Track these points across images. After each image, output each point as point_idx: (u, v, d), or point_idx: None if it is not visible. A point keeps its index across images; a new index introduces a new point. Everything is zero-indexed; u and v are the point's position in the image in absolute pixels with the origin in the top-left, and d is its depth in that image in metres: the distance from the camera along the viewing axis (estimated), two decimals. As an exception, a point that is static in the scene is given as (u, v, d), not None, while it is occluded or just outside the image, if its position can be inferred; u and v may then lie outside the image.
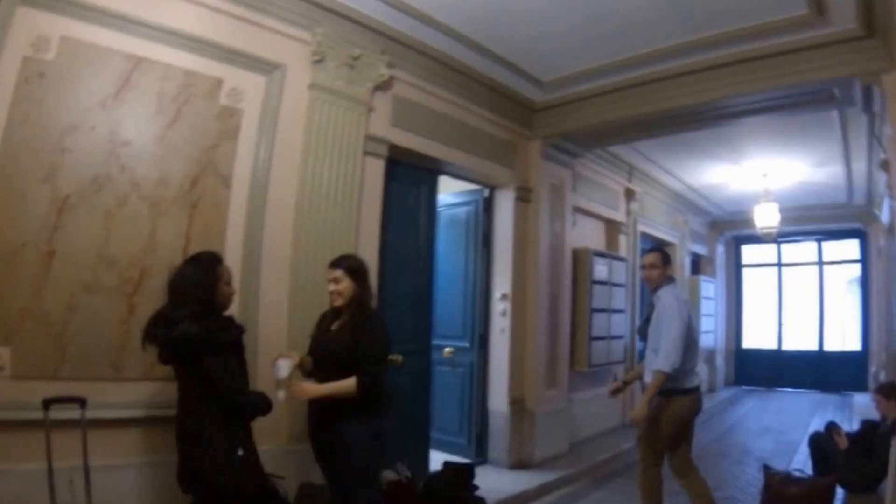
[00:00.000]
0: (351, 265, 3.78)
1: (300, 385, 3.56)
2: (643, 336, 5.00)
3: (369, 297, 3.85)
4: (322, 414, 3.72)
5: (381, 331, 3.78)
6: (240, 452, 3.27)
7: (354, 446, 3.62)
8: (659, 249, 5.30)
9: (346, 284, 3.70)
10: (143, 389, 3.82)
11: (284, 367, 3.53)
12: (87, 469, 3.35)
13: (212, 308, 3.31)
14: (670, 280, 4.95)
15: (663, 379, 4.48)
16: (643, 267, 5.04)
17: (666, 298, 4.77)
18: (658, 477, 4.87)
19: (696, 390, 4.77)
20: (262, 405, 3.45)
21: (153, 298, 3.57)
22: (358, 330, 3.64)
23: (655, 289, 4.92)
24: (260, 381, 4.14)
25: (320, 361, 3.74)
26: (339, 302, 3.73)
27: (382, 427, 3.76)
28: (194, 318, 3.14)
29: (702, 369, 5.34)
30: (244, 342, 3.49)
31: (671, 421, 4.63)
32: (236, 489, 3.20)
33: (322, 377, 3.67)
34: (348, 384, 3.52)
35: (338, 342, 3.65)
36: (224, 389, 3.22)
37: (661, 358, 4.53)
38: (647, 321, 4.98)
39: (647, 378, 4.70)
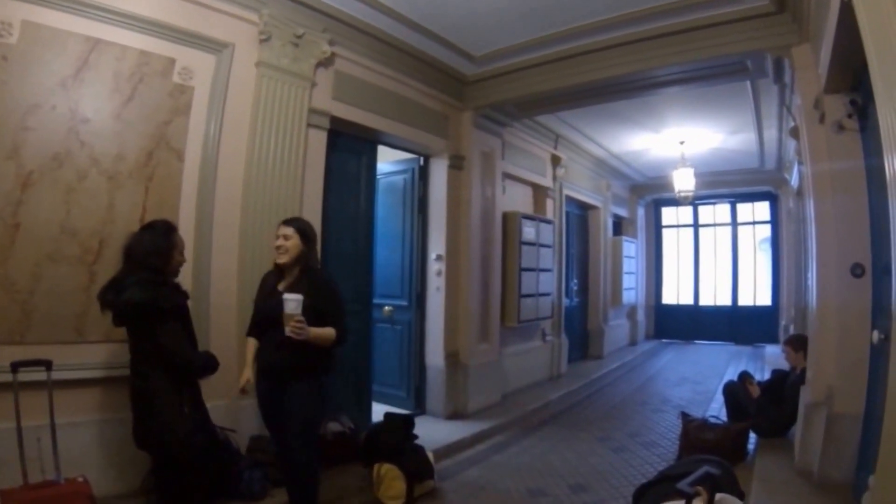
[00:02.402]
0: (302, 226, 3.83)
1: (305, 324, 3.51)
2: None
3: (316, 260, 3.94)
4: (275, 374, 3.75)
5: (338, 290, 3.88)
6: (186, 411, 3.35)
7: (301, 404, 3.70)
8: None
9: (294, 242, 3.74)
10: (103, 351, 3.96)
11: (297, 303, 3.48)
12: (53, 427, 3.47)
13: (162, 275, 3.38)
14: None
15: None
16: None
17: None
18: None
19: None
20: (211, 364, 3.54)
21: (112, 266, 3.68)
22: (314, 289, 3.66)
23: None
24: (213, 342, 4.34)
25: (270, 323, 3.66)
26: (283, 259, 3.76)
27: (325, 384, 3.85)
28: (141, 285, 3.23)
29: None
30: (188, 307, 3.57)
31: None
32: (184, 445, 3.30)
33: (275, 339, 3.63)
34: (329, 332, 3.65)
35: (276, 306, 3.59)
36: (173, 354, 3.29)
37: None
38: None
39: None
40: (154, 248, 3.38)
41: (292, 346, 3.58)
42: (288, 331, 3.48)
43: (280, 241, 3.77)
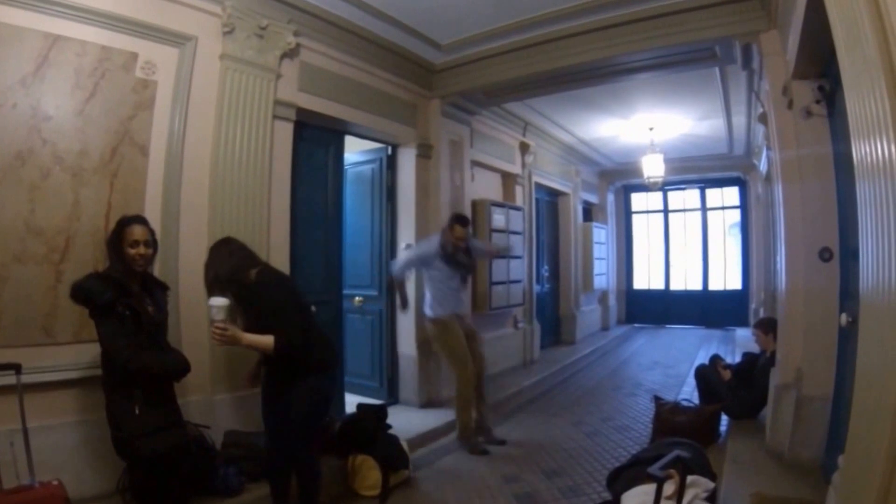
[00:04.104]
0: (216, 274, 3.72)
1: (231, 329, 3.49)
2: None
3: (246, 271, 3.74)
4: (272, 377, 3.87)
5: (272, 291, 3.76)
6: (136, 411, 3.33)
7: (294, 406, 3.73)
8: None
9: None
10: (73, 352, 3.92)
11: (219, 309, 3.44)
12: (25, 431, 3.41)
13: (113, 267, 3.42)
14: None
15: None
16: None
17: None
18: None
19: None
20: (167, 366, 3.53)
21: (79, 265, 3.75)
22: (247, 300, 3.70)
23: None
24: (184, 338, 4.38)
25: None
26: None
27: (320, 385, 3.84)
28: (88, 278, 3.31)
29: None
30: (151, 301, 3.58)
31: None
32: (130, 447, 3.32)
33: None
34: (266, 340, 3.53)
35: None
36: (105, 352, 3.32)
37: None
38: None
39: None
40: (107, 240, 3.47)
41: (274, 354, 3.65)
42: (211, 336, 3.51)
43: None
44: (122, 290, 3.39)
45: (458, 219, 6.13)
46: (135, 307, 3.42)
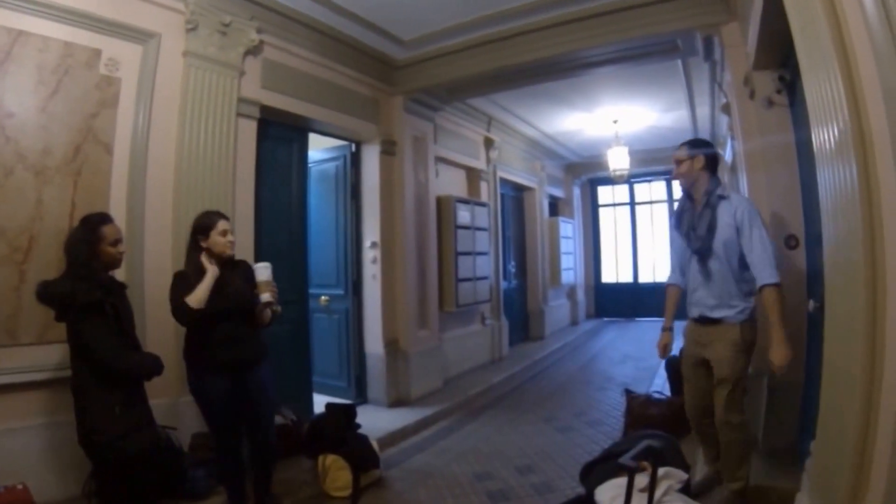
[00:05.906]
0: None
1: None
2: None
3: None
4: (237, 367, 3.85)
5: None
6: (117, 411, 3.35)
7: (270, 389, 4.02)
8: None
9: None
10: (38, 353, 3.94)
11: (267, 269, 3.77)
12: None
13: (90, 268, 3.39)
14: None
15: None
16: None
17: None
18: None
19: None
20: (145, 367, 3.56)
21: (43, 265, 3.78)
22: (245, 274, 3.93)
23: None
24: (148, 337, 4.42)
25: (225, 314, 3.79)
26: (232, 251, 3.92)
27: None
28: (64, 278, 3.32)
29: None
30: (125, 304, 3.64)
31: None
32: (112, 449, 3.33)
33: (233, 331, 3.83)
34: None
35: (242, 293, 3.85)
36: (92, 352, 3.30)
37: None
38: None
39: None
40: (77, 240, 3.45)
41: (252, 334, 3.88)
42: (268, 297, 3.77)
43: (231, 237, 3.92)
44: (106, 290, 3.46)
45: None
46: (117, 307, 3.50)
